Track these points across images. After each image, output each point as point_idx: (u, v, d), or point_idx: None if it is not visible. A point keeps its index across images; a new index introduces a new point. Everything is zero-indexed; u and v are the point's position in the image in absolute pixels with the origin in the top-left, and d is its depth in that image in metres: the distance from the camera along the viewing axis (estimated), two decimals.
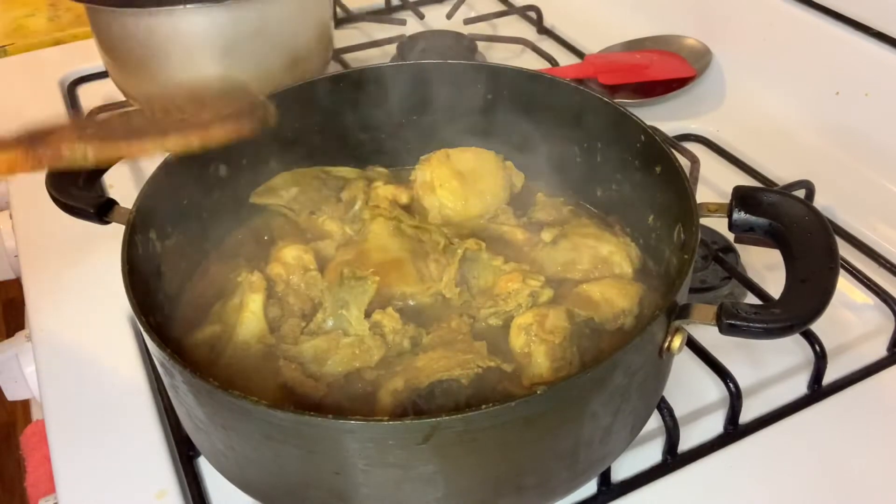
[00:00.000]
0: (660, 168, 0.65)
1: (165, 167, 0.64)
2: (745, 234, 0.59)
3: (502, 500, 0.53)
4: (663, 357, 0.54)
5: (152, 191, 0.63)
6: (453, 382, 0.56)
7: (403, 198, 0.74)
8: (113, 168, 0.70)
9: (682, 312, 0.53)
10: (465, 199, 0.73)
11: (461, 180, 0.73)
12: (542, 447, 0.51)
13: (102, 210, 0.62)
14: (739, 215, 0.58)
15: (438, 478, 0.49)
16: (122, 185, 0.90)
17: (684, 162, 0.86)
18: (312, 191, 0.74)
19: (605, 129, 0.71)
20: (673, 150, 0.64)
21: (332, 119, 0.76)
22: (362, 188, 0.75)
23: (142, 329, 0.52)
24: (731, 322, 0.51)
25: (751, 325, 0.51)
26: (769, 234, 0.58)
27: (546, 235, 0.70)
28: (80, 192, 0.64)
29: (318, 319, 0.63)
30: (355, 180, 0.76)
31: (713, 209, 0.60)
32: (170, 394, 0.58)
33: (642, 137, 0.67)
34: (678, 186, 0.61)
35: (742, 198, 0.58)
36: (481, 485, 0.52)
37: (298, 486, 0.52)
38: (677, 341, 0.53)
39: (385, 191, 0.74)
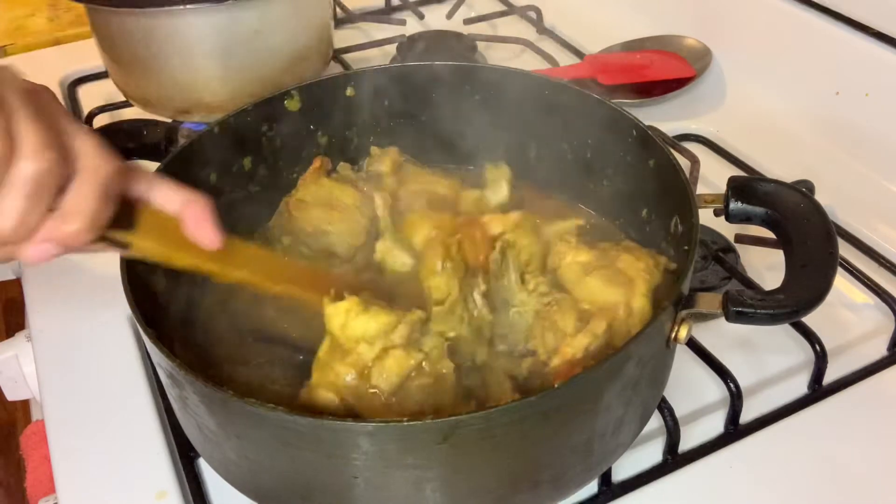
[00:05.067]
0: (653, 162, 0.65)
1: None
2: (742, 223, 0.60)
3: (520, 495, 0.53)
4: (670, 347, 0.55)
5: None
6: None
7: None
8: None
9: (689, 302, 0.53)
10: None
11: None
12: (559, 441, 0.51)
13: None
14: (736, 205, 0.59)
15: (458, 477, 0.50)
16: None
17: (684, 162, 0.86)
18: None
19: (596, 126, 0.71)
20: (669, 147, 0.64)
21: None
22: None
23: (149, 342, 0.51)
24: (738, 309, 0.51)
25: (757, 310, 0.51)
26: (766, 223, 0.59)
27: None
28: None
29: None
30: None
31: (710, 200, 0.60)
32: (175, 406, 0.57)
33: (634, 132, 0.67)
34: (673, 179, 0.61)
35: (738, 188, 0.59)
36: (500, 481, 0.52)
37: (315, 493, 0.52)
38: (684, 331, 0.54)
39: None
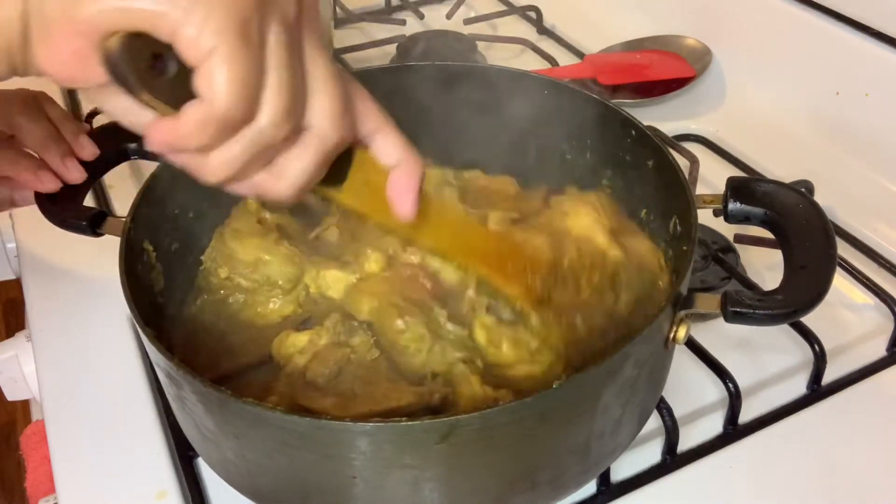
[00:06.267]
0: (652, 162, 0.65)
1: (156, 178, 0.63)
2: (741, 224, 0.60)
3: (518, 496, 0.53)
4: (668, 347, 0.55)
5: (145, 201, 0.62)
6: None
7: None
8: (112, 170, 0.71)
9: (687, 302, 0.54)
10: None
11: None
12: (557, 441, 0.51)
13: (95, 222, 0.62)
14: (735, 205, 0.59)
15: (456, 477, 0.50)
16: (122, 186, 0.90)
17: (683, 162, 0.86)
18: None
19: (595, 126, 0.71)
20: (668, 147, 0.64)
21: None
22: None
23: (147, 341, 0.51)
24: (736, 310, 0.51)
25: (755, 311, 0.51)
26: (765, 223, 0.59)
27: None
28: (71, 205, 0.64)
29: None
30: None
31: (709, 200, 0.60)
32: (174, 406, 0.57)
33: (633, 132, 0.67)
34: (672, 179, 0.61)
35: (737, 188, 0.59)
36: (497, 482, 0.52)
37: (314, 493, 0.52)
38: (682, 331, 0.54)
39: None
